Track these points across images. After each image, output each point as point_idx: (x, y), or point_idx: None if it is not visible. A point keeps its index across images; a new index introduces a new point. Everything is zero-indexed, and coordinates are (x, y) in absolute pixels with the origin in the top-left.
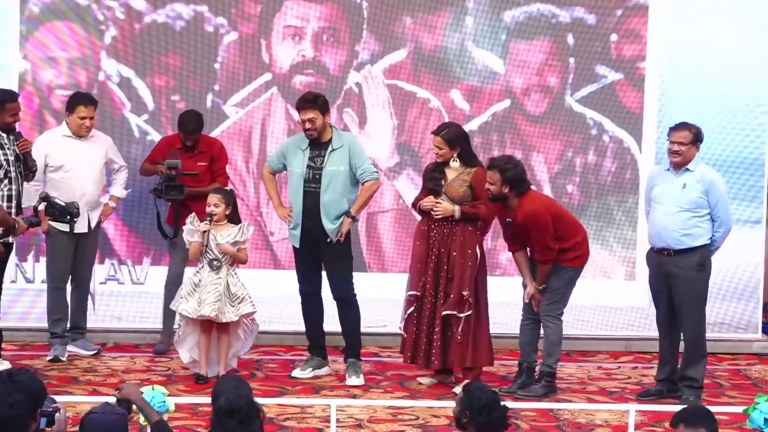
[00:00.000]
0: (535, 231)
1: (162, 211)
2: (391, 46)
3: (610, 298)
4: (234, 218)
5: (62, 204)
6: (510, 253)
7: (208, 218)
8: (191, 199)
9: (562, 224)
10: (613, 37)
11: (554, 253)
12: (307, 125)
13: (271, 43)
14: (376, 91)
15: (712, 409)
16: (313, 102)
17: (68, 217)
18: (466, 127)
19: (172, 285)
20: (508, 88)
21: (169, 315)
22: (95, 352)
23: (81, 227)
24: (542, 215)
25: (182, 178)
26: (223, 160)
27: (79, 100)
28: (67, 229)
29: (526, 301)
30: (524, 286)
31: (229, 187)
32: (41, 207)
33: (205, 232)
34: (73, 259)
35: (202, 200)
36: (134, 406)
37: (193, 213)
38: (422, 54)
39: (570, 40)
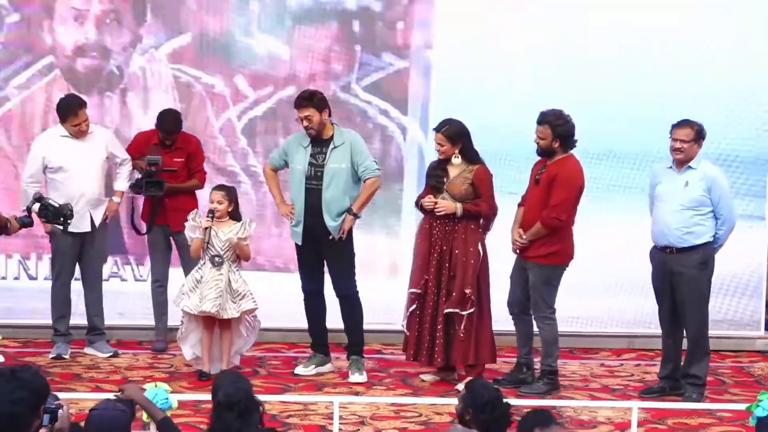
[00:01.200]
0: (562, 186)
1: (136, 207)
2: (175, 30)
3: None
4: (235, 215)
5: (56, 205)
6: (506, 252)
7: (210, 214)
8: (167, 195)
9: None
10: (400, 25)
11: (560, 222)
12: (305, 123)
13: (53, 25)
14: (159, 75)
15: (715, 406)
16: (308, 100)
17: (62, 218)
18: (252, 113)
19: (158, 284)
20: (293, 74)
21: (161, 313)
22: (111, 354)
23: (84, 226)
24: (578, 178)
25: (161, 175)
26: (200, 157)
27: (67, 111)
28: (62, 230)
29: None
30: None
31: (231, 183)
32: (35, 208)
33: (206, 228)
34: (80, 259)
35: (177, 196)
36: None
37: (196, 209)
38: (207, 38)
39: (356, 27)
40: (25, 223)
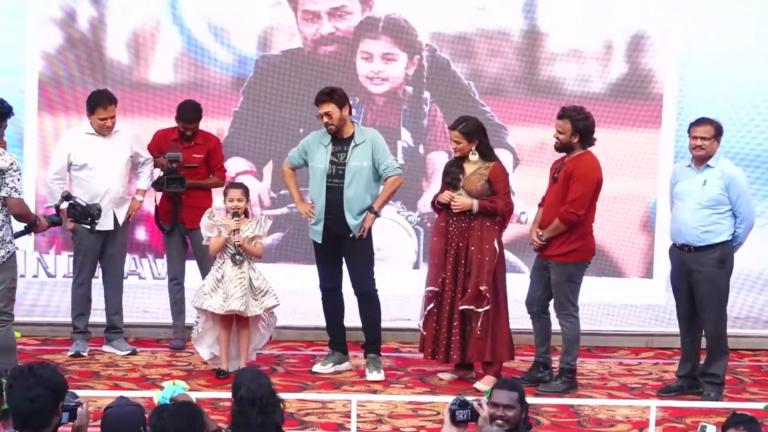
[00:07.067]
0: (579, 182)
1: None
2: None
3: None
4: (246, 212)
5: (84, 205)
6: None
7: (235, 215)
8: (183, 192)
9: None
10: None
11: (577, 217)
12: (325, 119)
13: None
14: None
15: (734, 405)
16: (329, 96)
17: (89, 218)
18: None
19: (175, 282)
20: None
21: (179, 311)
22: (129, 352)
23: (107, 224)
24: (595, 173)
25: (182, 171)
26: (220, 154)
27: (97, 102)
28: (89, 230)
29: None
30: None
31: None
32: (63, 206)
33: (236, 230)
34: (102, 256)
35: (193, 194)
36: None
37: (211, 208)
38: None
39: None
40: (54, 221)
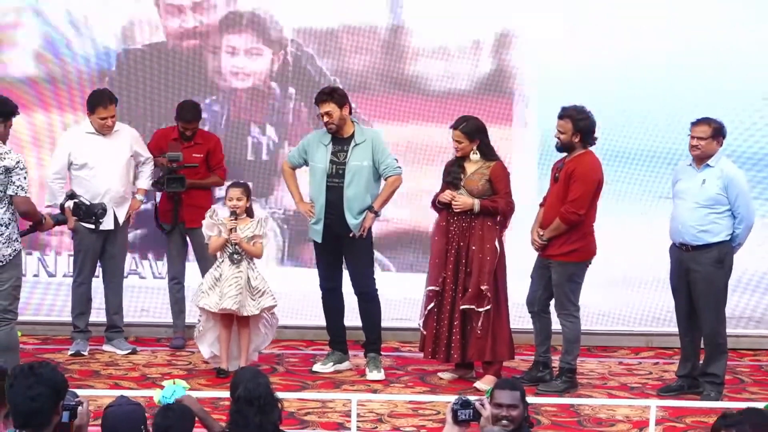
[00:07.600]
0: (580, 181)
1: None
2: None
3: None
4: (250, 211)
5: (88, 204)
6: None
7: (233, 215)
8: (185, 191)
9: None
10: None
11: (578, 217)
12: (325, 118)
13: None
14: None
15: (734, 405)
16: (329, 95)
17: (93, 217)
18: None
19: (176, 281)
20: None
21: (179, 310)
22: (129, 351)
23: (107, 224)
24: (596, 172)
25: (182, 171)
26: (219, 154)
27: (97, 101)
28: (93, 227)
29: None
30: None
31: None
32: (68, 205)
33: (232, 229)
34: (102, 256)
35: (193, 193)
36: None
37: (213, 207)
38: None
39: None
40: (59, 220)
